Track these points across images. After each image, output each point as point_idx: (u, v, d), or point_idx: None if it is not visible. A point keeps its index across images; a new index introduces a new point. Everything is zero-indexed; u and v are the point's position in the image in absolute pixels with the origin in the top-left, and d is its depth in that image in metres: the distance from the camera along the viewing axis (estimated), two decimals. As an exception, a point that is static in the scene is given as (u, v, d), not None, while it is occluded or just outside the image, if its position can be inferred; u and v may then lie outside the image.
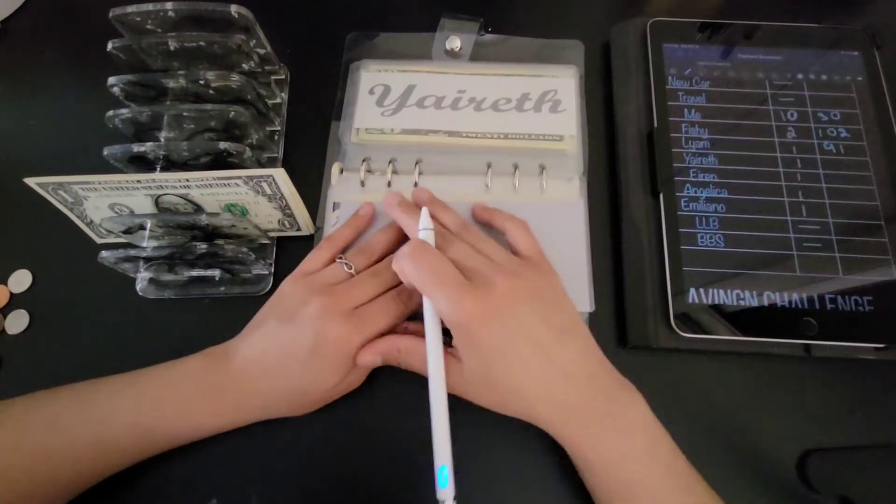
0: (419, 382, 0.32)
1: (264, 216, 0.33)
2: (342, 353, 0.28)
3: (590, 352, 0.27)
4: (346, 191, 0.35)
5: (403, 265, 0.27)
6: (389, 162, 0.35)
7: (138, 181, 0.29)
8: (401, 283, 0.30)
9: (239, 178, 0.29)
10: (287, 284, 0.30)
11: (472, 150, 0.36)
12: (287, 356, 0.28)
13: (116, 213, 0.31)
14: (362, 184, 0.35)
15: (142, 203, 0.31)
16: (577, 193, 0.35)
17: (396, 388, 0.32)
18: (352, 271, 0.30)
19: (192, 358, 0.29)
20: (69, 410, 0.27)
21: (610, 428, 0.26)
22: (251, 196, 0.31)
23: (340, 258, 0.31)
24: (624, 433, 0.26)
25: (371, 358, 0.28)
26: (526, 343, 0.26)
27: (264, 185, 0.30)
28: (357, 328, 0.28)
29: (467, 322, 0.26)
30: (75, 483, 0.27)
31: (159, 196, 0.30)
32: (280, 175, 0.29)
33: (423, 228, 0.29)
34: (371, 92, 0.37)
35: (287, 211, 0.32)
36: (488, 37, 0.40)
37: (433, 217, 0.30)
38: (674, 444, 0.26)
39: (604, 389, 0.27)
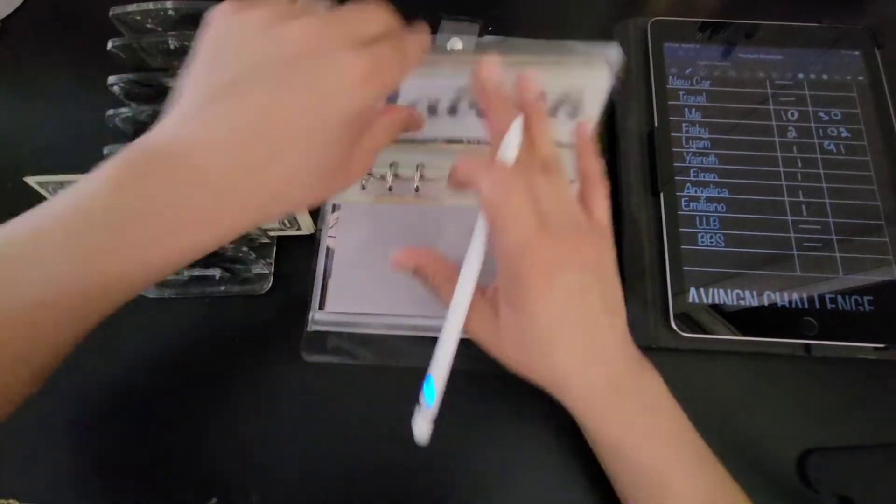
0: (420, 382, 0.32)
1: None
2: (360, 103, 0.20)
3: (627, 335, 0.26)
4: (346, 193, 0.35)
5: (479, 178, 0.23)
6: (390, 165, 0.35)
7: None
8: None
9: None
10: (225, 12, 0.21)
11: (475, 154, 0.36)
12: (277, 123, 0.19)
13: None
14: (363, 187, 0.35)
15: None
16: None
17: (398, 386, 0.32)
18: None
19: (99, 171, 0.19)
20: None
21: (638, 408, 0.25)
22: None
23: None
24: (650, 414, 0.25)
25: (406, 262, 0.26)
26: (579, 312, 0.24)
27: None
28: (375, 70, 0.20)
29: (529, 265, 0.23)
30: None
31: None
32: None
33: (509, 146, 0.25)
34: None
35: None
36: (489, 38, 0.40)
37: (526, 130, 0.26)
38: (691, 424, 0.26)
39: (632, 370, 0.26)
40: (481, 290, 0.26)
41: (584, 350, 0.25)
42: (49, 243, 0.19)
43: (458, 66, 0.33)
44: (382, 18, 0.22)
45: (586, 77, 0.32)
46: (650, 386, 0.26)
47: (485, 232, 0.25)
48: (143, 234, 0.19)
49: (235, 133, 0.19)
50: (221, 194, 0.20)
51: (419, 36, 0.24)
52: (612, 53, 0.33)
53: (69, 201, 0.19)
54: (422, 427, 0.24)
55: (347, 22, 0.21)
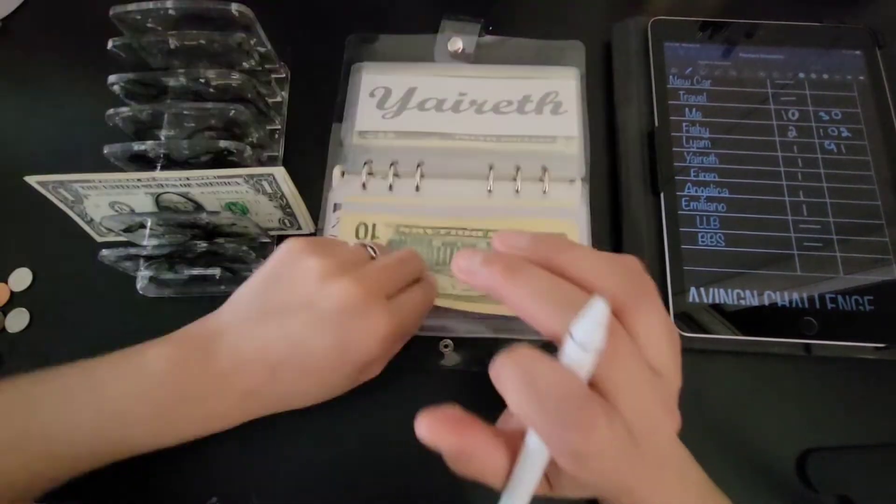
0: (422, 382, 0.32)
1: (265, 215, 0.33)
2: (379, 350, 0.23)
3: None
4: (347, 193, 0.35)
5: (549, 442, 0.17)
6: (391, 164, 0.35)
7: (139, 179, 0.29)
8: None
9: (239, 176, 0.29)
10: (293, 250, 0.24)
11: (474, 153, 0.36)
12: (304, 355, 0.23)
13: (117, 211, 0.31)
14: (364, 186, 0.35)
15: (142, 201, 0.31)
16: (579, 195, 0.35)
17: (399, 385, 0.32)
18: (374, 255, 0.26)
19: (158, 350, 0.23)
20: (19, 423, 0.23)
21: (672, 476, 0.21)
22: (251, 195, 0.31)
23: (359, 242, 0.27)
24: (656, 467, 0.21)
25: (440, 438, 0.19)
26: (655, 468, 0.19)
27: (265, 183, 0.30)
28: (399, 324, 0.23)
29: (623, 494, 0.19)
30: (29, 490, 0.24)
31: (160, 195, 0.30)
32: (280, 174, 0.29)
33: (583, 340, 0.16)
34: (372, 94, 0.37)
35: (288, 210, 0.32)
36: (489, 38, 0.40)
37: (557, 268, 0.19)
38: (693, 459, 0.24)
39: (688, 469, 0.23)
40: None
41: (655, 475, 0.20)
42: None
43: (461, 72, 0.38)
44: (416, 269, 0.27)
45: (558, 79, 0.38)
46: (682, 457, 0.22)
47: (543, 465, 0.19)
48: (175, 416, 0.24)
49: (269, 352, 0.23)
50: (244, 398, 0.24)
51: (433, 281, 0.29)
52: (576, 55, 0.39)
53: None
54: None
55: (387, 279, 0.24)
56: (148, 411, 0.23)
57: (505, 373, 0.18)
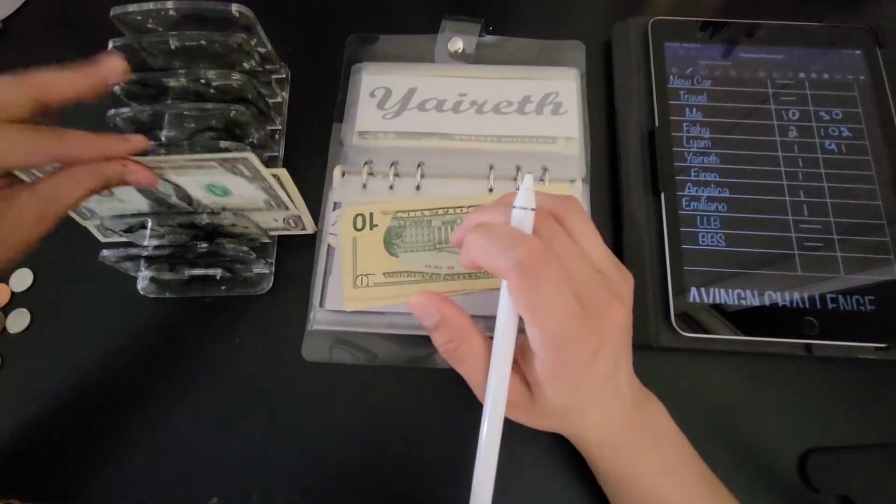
0: (421, 382, 0.32)
1: (269, 217, 0.33)
2: None
3: (632, 369, 0.26)
4: (347, 193, 0.35)
5: (500, 260, 0.21)
6: (391, 164, 0.35)
7: None
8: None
9: (213, 160, 0.28)
10: None
11: (474, 153, 0.36)
12: None
13: (118, 212, 0.32)
14: (364, 186, 0.35)
15: (144, 202, 0.31)
16: (580, 195, 0.35)
17: (398, 385, 0.32)
18: None
19: None
20: None
21: (647, 440, 0.25)
22: (229, 177, 0.29)
23: None
24: (658, 445, 0.25)
25: (428, 307, 0.24)
26: (612, 392, 0.24)
27: (241, 167, 0.28)
28: None
29: (571, 358, 0.22)
30: None
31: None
32: (283, 175, 0.29)
33: (521, 205, 0.22)
34: (372, 95, 0.37)
35: (271, 191, 0.31)
36: (489, 38, 0.40)
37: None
38: (694, 450, 0.26)
39: (639, 402, 0.26)
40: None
41: (610, 402, 0.24)
42: None
43: (462, 72, 0.38)
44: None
45: (558, 80, 0.38)
46: (656, 416, 0.26)
47: (513, 316, 0.23)
48: None
49: None
50: None
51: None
52: (576, 56, 0.39)
53: None
54: None
55: None
56: None
57: (471, 237, 0.22)
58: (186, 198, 0.31)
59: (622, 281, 0.24)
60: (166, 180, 0.29)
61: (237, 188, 0.31)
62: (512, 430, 0.29)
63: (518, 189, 0.23)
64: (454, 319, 0.24)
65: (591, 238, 0.24)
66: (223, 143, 0.31)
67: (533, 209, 0.22)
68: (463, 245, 0.23)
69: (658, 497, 0.25)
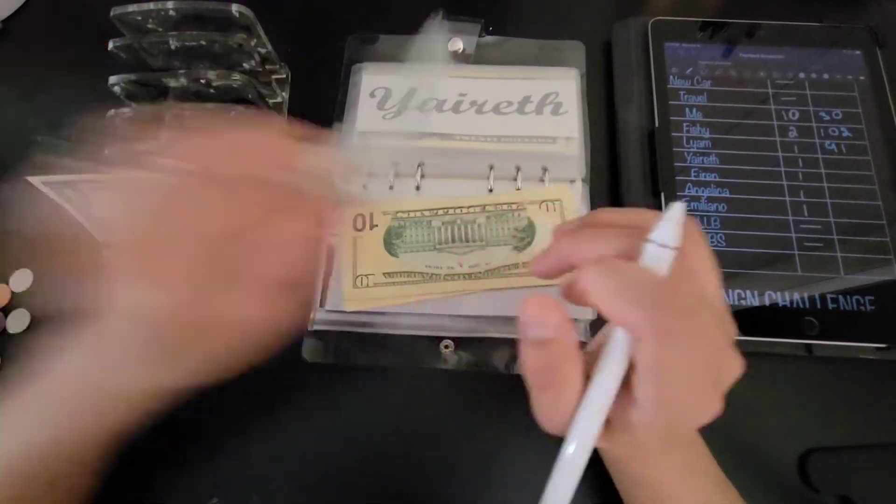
0: (422, 382, 0.32)
1: None
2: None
3: None
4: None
5: (636, 320, 0.18)
6: (391, 165, 0.35)
7: None
8: None
9: None
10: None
11: (474, 153, 0.36)
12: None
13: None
14: (364, 187, 0.35)
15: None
16: (580, 195, 0.35)
17: (400, 386, 0.32)
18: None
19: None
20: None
21: (669, 443, 0.24)
22: None
23: None
24: (677, 448, 0.25)
25: (550, 320, 0.19)
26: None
27: None
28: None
29: (681, 423, 0.20)
30: None
31: None
32: None
33: (659, 242, 0.18)
34: (372, 95, 0.37)
35: None
36: (489, 38, 0.40)
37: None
38: (709, 452, 0.26)
39: None
40: None
41: None
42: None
43: (462, 73, 0.38)
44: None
45: (558, 80, 0.37)
46: None
47: (624, 363, 0.19)
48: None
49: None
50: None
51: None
52: (576, 56, 0.39)
53: None
54: None
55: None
56: (125, 352, 0.23)
57: (593, 276, 0.18)
58: None
59: (732, 324, 0.21)
60: None
61: None
62: (516, 425, 0.29)
63: (642, 213, 0.20)
64: (565, 340, 0.19)
65: (713, 278, 0.20)
66: (223, 144, 0.31)
67: (676, 248, 0.18)
68: (579, 281, 0.19)
69: (673, 499, 0.24)
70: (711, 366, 0.19)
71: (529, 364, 0.20)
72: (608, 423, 0.20)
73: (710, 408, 0.19)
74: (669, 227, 0.18)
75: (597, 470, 0.28)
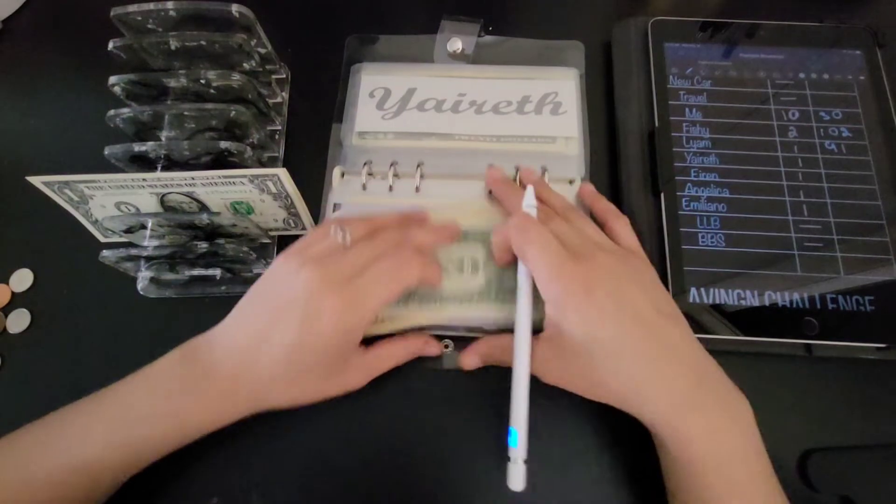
0: (422, 382, 0.32)
1: (269, 214, 0.33)
2: (335, 333, 0.25)
3: (694, 340, 0.26)
4: (347, 193, 0.35)
5: (511, 233, 0.28)
6: (391, 165, 0.35)
7: (144, 179, 0.29)
8: (398, 251, 0.28)
9: (244, 176, 0.29)
10: (277, 261, 0.28)
11: (474, 153, 0.36)
12: (268, 340, 0.26)
13: (122, 211, 0.32)
14: (364, 187, 0.35)
15: (148, 202, 0.31)
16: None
17: (400, 386, 0.32)
18: (346, 241, 0.28)
19: (168, 355, 0.27)
20: (44, 439, 0.26)
21: (726, 422, 0.24)
22: (256, 194, 0.31)
23: (336, 228, 0.28)
24: (738, 429, 0.24)
25: (472, 360, 0.29)
26: (629, 317, 0.25)
27: (269, 183, 0.30)
28: (352, 303, 0.25)
29: (566, 289, 0.25)
30: None
31: (165, 195, 0.30)
32: (283, 174, 0.29)
33: (528, 205, 0.30)
34: (371, 95, 0.37)
35: (292, 210, 0.32)
36: (489, 38, 0.40)
37: (538, 198, 0.31)
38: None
39: (716, 379, 0.25)
40: (536, 337, 0.27)
41: (651, 354, 0.24)
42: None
43: (461, 73, 0.38)
44: (390, 239, 0.28)
45: (558, 80, 0.38)
46: (739, 401, 0.25)
47: (527, 278, 0.28)
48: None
49: (242, 348, 0.26)
50: (226, 394, 0.26)
51: (411, 243, 0.29)
52: (575, 56, 0.39)
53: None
54: (516, 477, 0.25)
55: (348, 263, 0.27)
56: (156, 397, 0.26)
57: (511, 231, 0.28)
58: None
59: (622, 251, 0.29)
60: (195, 199, 0.30)
61: (262, 206, 0.31)
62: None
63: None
64: (488, 348, 0.29)
65: (584, 221, 0.30)
66: (223, 144, 0.31)
67: (535, 206, 0.30)
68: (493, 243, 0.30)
69: (732, 482, 0.24)
70: (566, 245, 0.27)
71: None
72: (542, 337, 0.27)
73: (578, 269, 0.26)
74: (530, 195, 0.30)
75: (596, 469, 0.28)
